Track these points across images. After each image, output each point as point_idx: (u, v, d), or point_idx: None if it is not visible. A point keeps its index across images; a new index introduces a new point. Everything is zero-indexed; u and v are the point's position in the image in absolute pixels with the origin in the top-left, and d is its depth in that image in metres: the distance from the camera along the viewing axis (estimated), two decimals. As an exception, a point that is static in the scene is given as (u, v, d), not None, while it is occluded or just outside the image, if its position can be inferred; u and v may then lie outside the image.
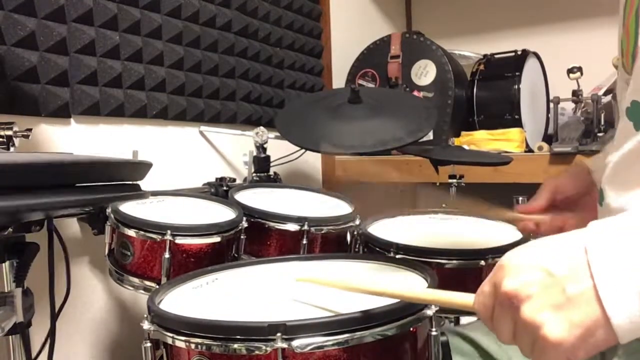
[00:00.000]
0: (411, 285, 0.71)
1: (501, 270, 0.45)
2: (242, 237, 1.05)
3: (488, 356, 0.79)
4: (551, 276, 0.43)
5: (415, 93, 1.91)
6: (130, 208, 1.00)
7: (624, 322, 0.40)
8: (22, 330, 0.80)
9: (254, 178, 1.44)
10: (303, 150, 1.54)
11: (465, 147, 1.71)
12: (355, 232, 1.13)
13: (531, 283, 0.43)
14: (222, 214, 1.09)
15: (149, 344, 0.62)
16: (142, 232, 0.94)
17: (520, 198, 1.22)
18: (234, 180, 1.40)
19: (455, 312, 0.95)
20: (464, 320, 1.42)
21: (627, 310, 0.40)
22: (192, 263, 0.95)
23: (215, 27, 1.53)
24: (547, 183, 0.77)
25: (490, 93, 1.89)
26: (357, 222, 1.16)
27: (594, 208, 0.66)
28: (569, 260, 0.43)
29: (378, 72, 1.98)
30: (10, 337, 0.81)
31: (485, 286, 0.47)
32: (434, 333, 0.62)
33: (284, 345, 0.54)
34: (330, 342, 0.56)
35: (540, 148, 1.69)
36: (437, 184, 1.49)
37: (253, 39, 1.68)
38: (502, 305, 0.45)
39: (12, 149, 0.87)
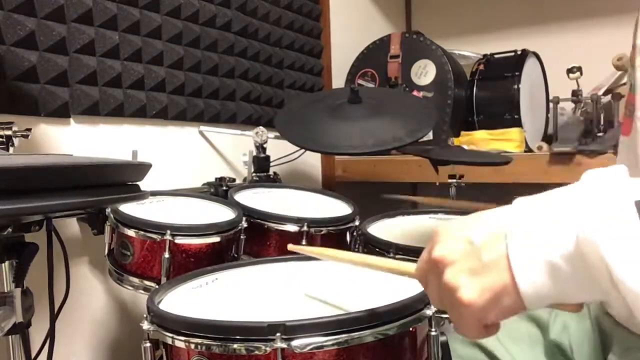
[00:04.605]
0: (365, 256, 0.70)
1: (434, 238, 0.49)
2: (241, 237, 1.05)
3: (489, 354, 0.79)
4: (471, 244, 0.46)
5: (415, 93, 1.91)
6: (130, 208, 1.00)
7: (530, 290, 0.43)
8: (21, 330, 0.79)
9: (254, 178, 1.43)
10: (303, 150, 1.54)
11: (465, 147, 1.71)
12: (355, 232, 1.13)
13: (455, 250, 0.47)
14: (221, 214, 1.09)
15: (148, 344, 0.62)
16: (141, 232, 0.94)
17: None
18: (234, 180, 1.40)
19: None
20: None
21: (534, 280, 0.43)
22: (191, 263, 0.95)
23: (215, 27, 1.53)
24: None
25: (490, 93, 1.89)
26: (357, 222, 1.16)
27: None
28: (490, 231, 0.46)
29: (378, 72, 1.98)
30: (10, 337, 0.81)
31: (424, 254, 0.51)
32: (433, 333, 0.62)
33: (284, 345, 0.54)
34: (330, 342, 0.56)
35: (539, 148, 1.69)
36: (437, 184, 1.49)
37: (253, 38, 1.68)
38: (432, 270, 0.49)
39: (11, 149, 0.87)
